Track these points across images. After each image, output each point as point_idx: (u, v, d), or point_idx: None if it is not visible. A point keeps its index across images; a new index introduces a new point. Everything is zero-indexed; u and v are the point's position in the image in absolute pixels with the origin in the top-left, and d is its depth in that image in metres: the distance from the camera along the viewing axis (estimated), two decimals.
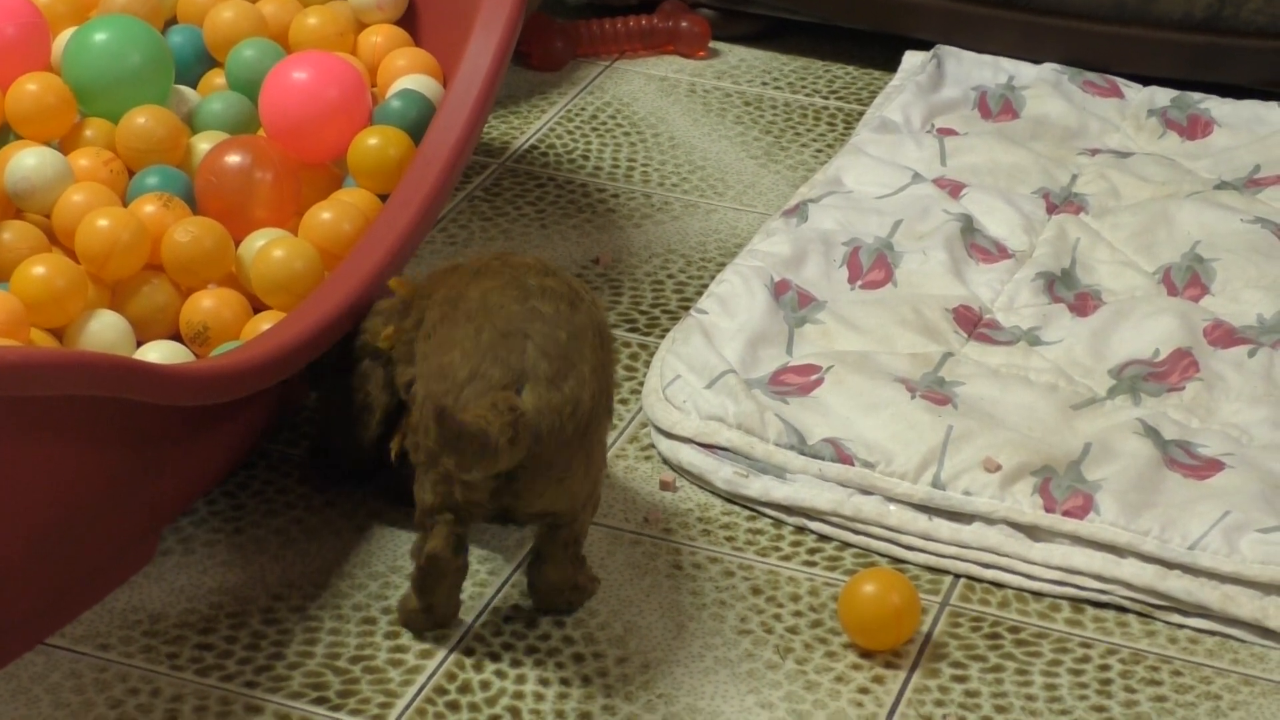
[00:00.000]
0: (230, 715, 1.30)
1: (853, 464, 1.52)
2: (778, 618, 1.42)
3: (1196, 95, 2.06)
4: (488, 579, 1.44)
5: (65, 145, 1.67)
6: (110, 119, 1.68)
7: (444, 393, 1.31)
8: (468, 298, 1.36)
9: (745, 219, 1.91)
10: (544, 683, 1.35)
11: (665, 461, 1.57)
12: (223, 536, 1.47)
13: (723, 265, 1.82)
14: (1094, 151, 1.98)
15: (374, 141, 1.65)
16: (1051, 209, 1.88)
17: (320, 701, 1.32)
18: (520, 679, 1.35)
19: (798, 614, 1.42)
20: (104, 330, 1.51)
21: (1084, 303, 1.74)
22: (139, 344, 1.54)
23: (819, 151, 2.02)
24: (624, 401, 1.65)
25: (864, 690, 1.36)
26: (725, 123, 2.07)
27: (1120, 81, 2.09)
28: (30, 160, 1.59)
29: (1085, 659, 1.40)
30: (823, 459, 1.53)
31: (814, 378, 1.61)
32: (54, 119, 1.66)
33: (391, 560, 1.45)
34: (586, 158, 2.00)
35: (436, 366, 1.34)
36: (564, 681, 1.35)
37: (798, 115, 2.09)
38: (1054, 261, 1.79)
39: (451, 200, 1.90)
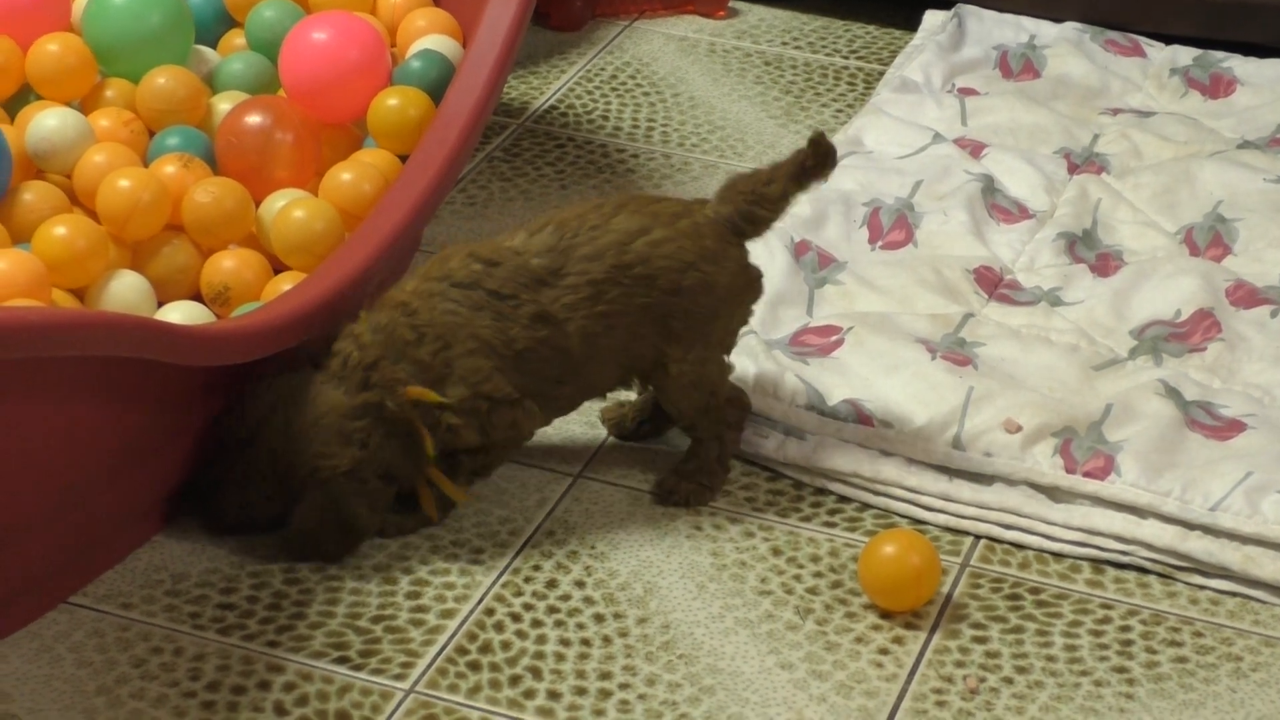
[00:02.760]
0: (252, 674, 1.30)
1: (873, 425, 1.52)
2: (798, 578, 1.41)
3: (1219, 54, 2.04)
4: (508, 539, 1.44)
5: (86, 106, 1.67)
6: (131, 79, 1.67)
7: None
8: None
9: None
10: (564, 643, 1.35)
11: None
12: None
13: None
14: (1116, 111, 1.96)
15: (394, 102, 1.64)
16: (1073, 169, 1.86)
17: (342, 661, 1.32)
18: (541, 639, 1.35)
19: (818, 575, 1.42)
20: (125, 291, 1.51)
21: (1105, 263, 1.73)
22: (160, 304, 1.54)
23: (839, 112, 2.01)
24: None
25: (884, 651, 1.35)
26: (745, 83, 2.05)
27: (1142, 40, 2.08)
28: (51, 121, 1.59)
29: (1106, 620, 1.39)
30: (843, 420, 1.52)
31: (834, 338, 1.61)
32: (75, 79, 1.65)
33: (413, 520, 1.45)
34: (606, 118, 1.99)
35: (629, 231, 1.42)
36: (585, 642, 1.35)
37: (818, 75, 2.07)
38: (1075, 222, 1.77)
39: (471, 161, 1.89)
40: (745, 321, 1.48)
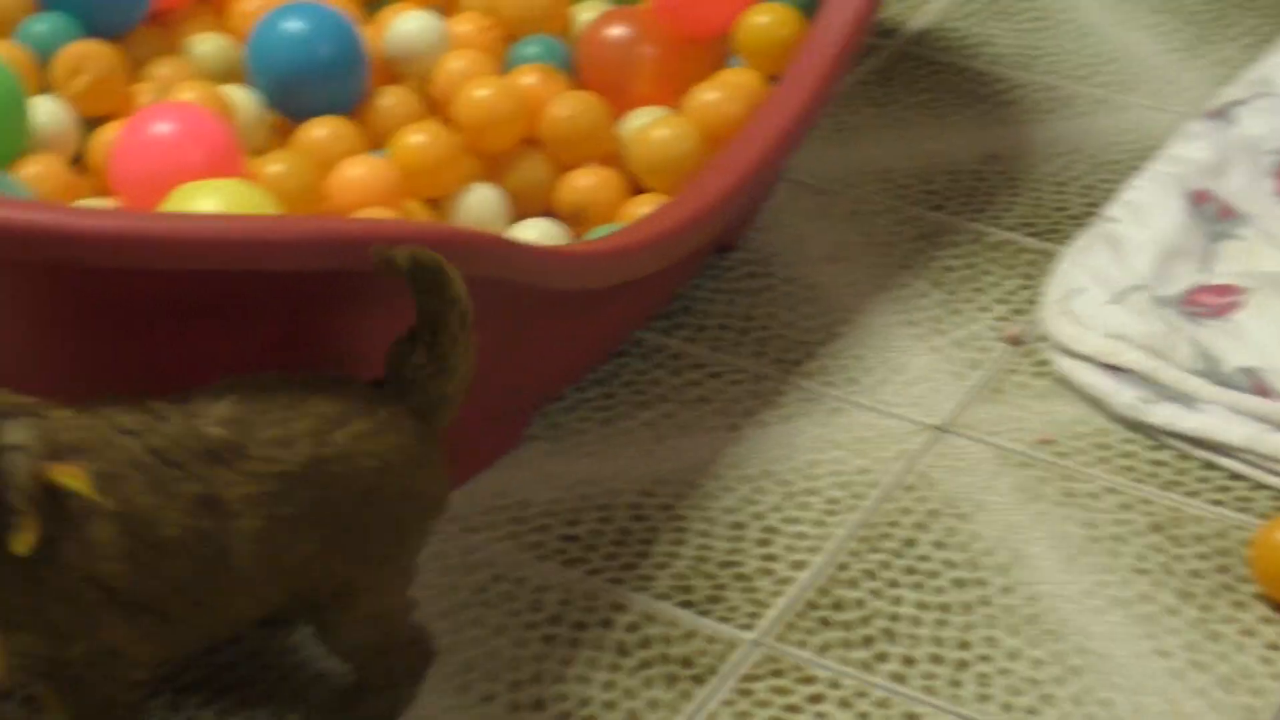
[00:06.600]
0: (595, 610, 1.35)
1: (1272, 397, 1.49)
2: (1179, 559, 1.40)
3: None
4: (864, 491, 1.46)
5: (446, 9, 1.73)
6: None
7: None
8: None
9: (1160, 119, 1.87)
10: (922, 606, 1.37)
11: (1062, 380, 1.57)
12: (592, 426, 1.52)
13: (1133, 169, 1.79)
14: None
15: (763, 19, 1.67)
16: None
17: (686, 605, 1.36)
18: (896, 600, 1.37)
19: (1202, 557, 1.41)
20: (480, 204, 1.57)
21: None
22: (514, 220, 1.60)
23: (1249, 46, 1.96)
24: (1020, 311, 1.64)
25: (1274, 647, 1.34)
26: (1142, 10, 2.02)
27: None
28: (410, 24, 1.66)
29: None
30: (1238, 389, 1.50)
31: (1232, 299, 1.58)
32: None
33: (764, 464, 1.48)
34: (988, 43, 1.98)
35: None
36: (943, 607, 1.37)
37: (1226, 3, 2.03)
38: None
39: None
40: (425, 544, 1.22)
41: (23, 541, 1.06)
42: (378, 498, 1.16)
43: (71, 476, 1.07)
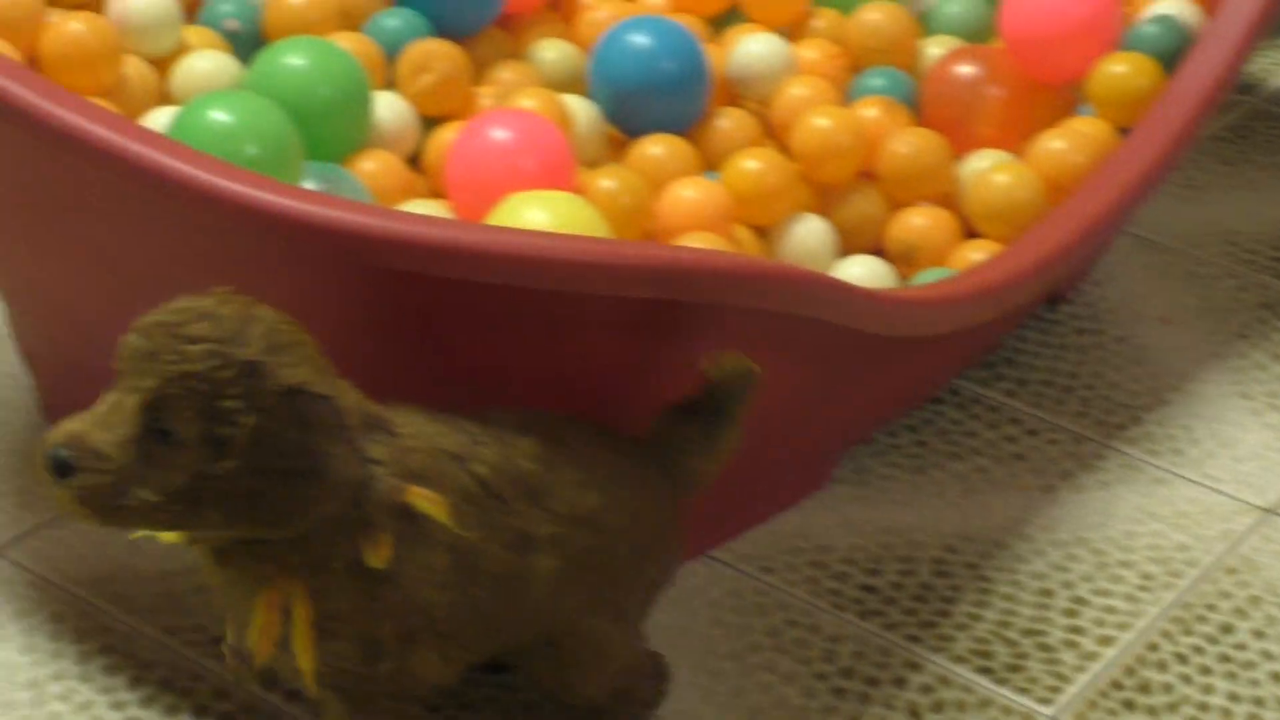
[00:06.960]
0: (888, 668, 1.32)
1: None
2: None
3: None
4: (1182, 569, 1.40)
5: (793, 34, 1.72)
6: (842, 11, 1.71)
7: None
8: None
9: None
10: (1234, 698, 1.30)
11: None
12: (900, 473, 1.49)
13: None
14: None
15: (1120, 69, 1.62)
16: None
17: (984, 671, 1.32)
18: (1207, 689, 1.31)
19: None
20: (808, 236, 1.55)
21: None
22: (841, 255, 1.57)
23: None
24: None
25: None
26: None
27: None
28: (756, 46, 1.64)
29: None
30: None
31: None
32: (785, 4, 1.70)
33: (1078, 530, 1.44)
34: None
35: None
36: (1258, 701, 1.30)
37: None
38: None
39: None
40: None
41: (378, 556, 1.06)
42: (639, 555, 1.17)
43: (429, 501, 1.08)
